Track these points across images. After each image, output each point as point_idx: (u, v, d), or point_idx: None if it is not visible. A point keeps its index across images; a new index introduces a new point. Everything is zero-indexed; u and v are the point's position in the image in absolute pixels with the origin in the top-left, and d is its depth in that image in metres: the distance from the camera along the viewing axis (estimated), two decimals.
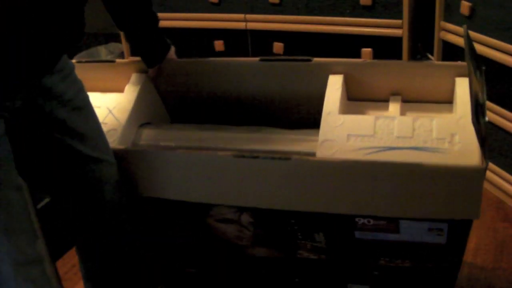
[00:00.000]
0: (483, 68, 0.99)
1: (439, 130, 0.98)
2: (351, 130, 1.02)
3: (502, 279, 1.46)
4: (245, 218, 1.18)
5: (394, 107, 1.11)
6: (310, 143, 1.08)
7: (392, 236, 1.06)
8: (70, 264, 1.66)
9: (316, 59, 1.15)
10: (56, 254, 1.41)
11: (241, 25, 2.18)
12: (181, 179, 1.10)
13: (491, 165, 1.78)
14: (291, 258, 1.22)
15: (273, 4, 2.08)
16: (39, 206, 1.45)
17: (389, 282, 1.21)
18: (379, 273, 1.18)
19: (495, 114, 1.69)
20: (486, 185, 1.83)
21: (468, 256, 1.54)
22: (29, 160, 0.99)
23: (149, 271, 1.33)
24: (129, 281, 1.18)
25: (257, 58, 1.20)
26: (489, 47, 1.64)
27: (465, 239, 1.03)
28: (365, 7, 1.95)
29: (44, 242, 1.24)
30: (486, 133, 0.88)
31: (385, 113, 1.10)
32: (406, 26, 1.91)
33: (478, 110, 0.88)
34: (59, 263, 1.66)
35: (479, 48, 1.66)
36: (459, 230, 1.01)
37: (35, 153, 0.99)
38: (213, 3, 2.18)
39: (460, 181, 0.91)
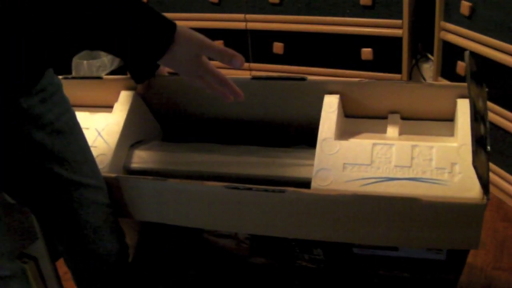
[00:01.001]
0: (486, 90, 0.95)
1: (439, 159, 0.95)
2: (347, 158, 0.99)
3: (502, 279, 1.46)
4: (242, 234, 1.17)
5: (392, 128, 1.07)
6: (306, 168, 1.05)
7: (391, 253, 1.05)
8: None
9: (310, 78, 1.10)
10: (56, 254, 1.41)
11: (241, 25, 2.18)
12: (174, 207, 1.07)
13: (491, 165, 1.78)
14: (289, 266, 1.22)
15: (273, 4, 2.08)
16: None
17: None
18: (378, 280, 1.17)
19: (495, 114, 1.69)
20: None
21: (468, 256, 1.54)
22: (13, 179, 0.96)
23: (148, 273, 1.33)
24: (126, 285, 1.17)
25: (248, 77, 1.15)
26: (489, 47, 1.64)
27: (465, 257, 1.02)
28: (365, 7, 1.95)
29: (44, 242, 1.24)
30: (488, 166, 0.86)
31: (383, 136, 1.07)
32: (406, 26, 1.91)
33: (478, 143, 0.85)
34: (59, 263, 1.65)
35: (479, 48, 1.66)
36: (459, 251, 1.00)
37: (17, 173, 0.95)
38: (213, 3, 2.18)
39: (459, 215, 0.89)
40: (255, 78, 1.14)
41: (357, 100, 1.09)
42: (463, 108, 1.00)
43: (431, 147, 0.96)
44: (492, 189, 1.80)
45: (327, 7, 2.00)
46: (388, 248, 1.04)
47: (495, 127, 1.71)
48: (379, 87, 1.07)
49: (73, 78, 1.28)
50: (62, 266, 1.65)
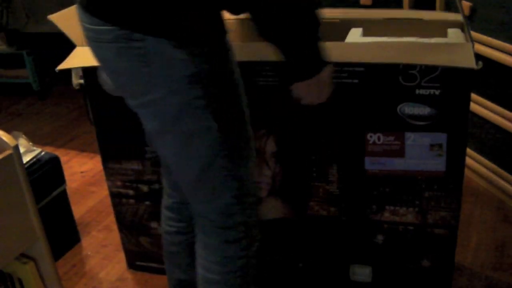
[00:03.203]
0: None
1: (437, 41, 1.29)
2: (370, 40, 1.33)
3: (502, 279, 1.47)
4: (270, 146, 1.28)
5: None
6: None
7: (398, 164, 1.22)
8: (70, 264, 1.66)
9: (343, 18, 1.50)
10: (56, 254, 1.41)
11: None
12: None
13: (491, 165, 1.79)
14: (301, 216, 1.31)
15: None
16: (39, 205, 1.45)
17: (390, 260, 1.30)
18: (384, 237, 1.29)
19: (495, 113, 1.70)
20: (486, 185, 1.83)
21: (468, 256, 1.54)
22: None
23: None
24: None
25: None
26: (489, 47, 1.64)
27: (462, 166, 1.20)
28: (365, 7, 1.95)
29: (45, 242, 1.24)
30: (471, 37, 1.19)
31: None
32: None
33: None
34: (59, 263, 1.66)
35: (479, 48, 1.66)
36: (456, 138, 1.18)
37: None
38: None
39: (454, 48, 1.19)
40: None
41: (375, 32, 1.43)
42: (452, 32, 1.35)
43: (430, 39, 1.31)
44: (492, 189, 1.81)
45: (327, 7, 2.00)
46: (396, 152, 1.21)
47: (495, 127, 1.71)
48: (389, 23, 1.46)
49: None
50: (62, 266, 1.65)
